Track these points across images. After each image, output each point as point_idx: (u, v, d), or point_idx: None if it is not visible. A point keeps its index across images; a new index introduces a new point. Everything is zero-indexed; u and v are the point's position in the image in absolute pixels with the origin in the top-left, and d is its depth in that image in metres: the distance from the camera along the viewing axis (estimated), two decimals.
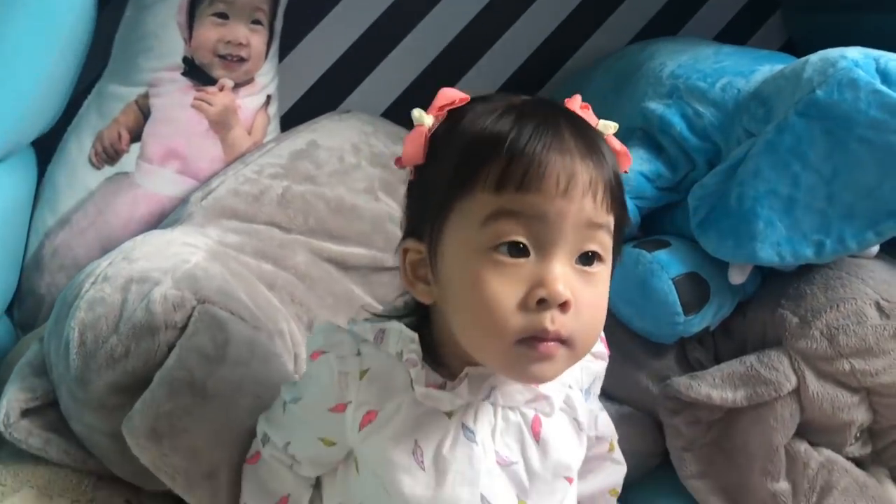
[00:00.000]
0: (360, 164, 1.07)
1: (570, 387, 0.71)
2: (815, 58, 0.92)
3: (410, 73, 1.31)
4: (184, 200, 1.01)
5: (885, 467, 0.97)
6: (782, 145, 0.90)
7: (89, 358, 0.77)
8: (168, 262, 0.84)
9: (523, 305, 0.59)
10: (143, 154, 1.05)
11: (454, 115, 0.64)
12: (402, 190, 1.08)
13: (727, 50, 1.09)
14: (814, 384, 0.91)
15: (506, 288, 0.59)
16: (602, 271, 0.62)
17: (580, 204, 0.60)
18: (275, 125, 1.15)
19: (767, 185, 0.90)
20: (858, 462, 0.96)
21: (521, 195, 0.59)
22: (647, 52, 1.15)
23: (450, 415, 0.65)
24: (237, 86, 1.09)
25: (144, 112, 1.06)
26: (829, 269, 0.95)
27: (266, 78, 1.12)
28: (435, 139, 0.64)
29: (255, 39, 1.09)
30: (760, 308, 0.98)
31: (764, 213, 0.90)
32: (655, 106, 1.04)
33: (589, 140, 0.62)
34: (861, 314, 0.91)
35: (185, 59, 1.06)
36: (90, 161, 1.05)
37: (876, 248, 0.96)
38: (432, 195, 0.62)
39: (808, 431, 0.94)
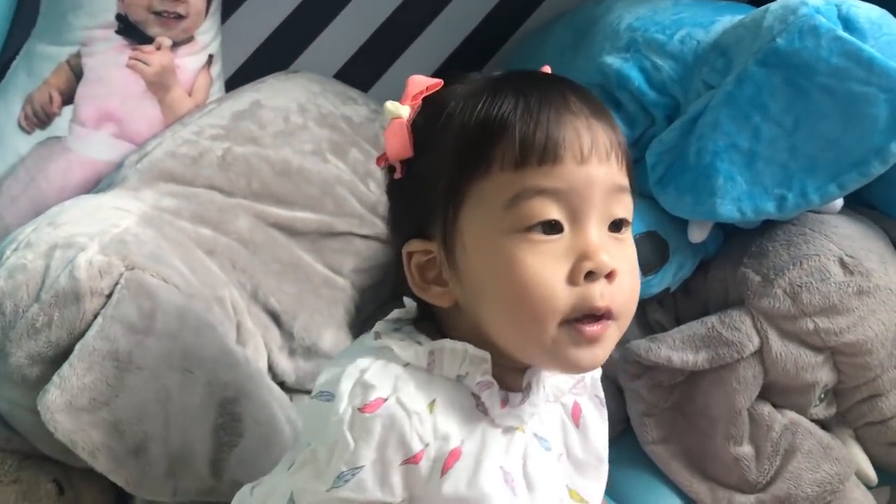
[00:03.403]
0: (306, 124, 1.02)
1: None
2: (775, 5, 0.89)
3: (363, 33, 1.26)
4: (118, 164, 0.96)
5: (849, 428, 0.95)
6: (742, 96, 0.87)
7: (8, 328, 0.73)
8: (96, 227, 0.79)
9: (571, 280, 0.55)
10: (76, 117, 1.00)
11: (433, 102, 0.60)
12: (353, 152, 1.07)
13: (686, 1, 1.05)
14: (777, 344, 0.89)
15: (548, 263, 0.55)
16: (630, 236, 0.60)
17: (606, 167, 0.57)
18: (219, 86, 1.10)
19: (727, 139, 0.87)
20: (823, 423, 0.95)
21: (547, 168, 0.56)
22: (604, 5, 1.10)
23: (522, 428, 0.61)
24: (176, 45, 1.03)
25: (76, 73, 1.00)
26: (792, 226, 0.92)
27: (207, 36, 1.06)
28: (419, 130, 0.59)
29: None
30: (722, 267, 0.95)
31: (724, 167, 0.87)
32: (613, 60, 1.00)
33: (595, 102, 0.59)
34: (824, 271, 0.88)
35: (118, 17, 1.00)
36: (20, 125, 0.99)
37: (840, 203, 0.94)
38: (433, 187, 0.58)
39: (772, 393, 0.92)
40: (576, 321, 0.55)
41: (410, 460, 0.56)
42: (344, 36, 1.24)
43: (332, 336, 0.94)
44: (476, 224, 0.57)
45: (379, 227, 1.03)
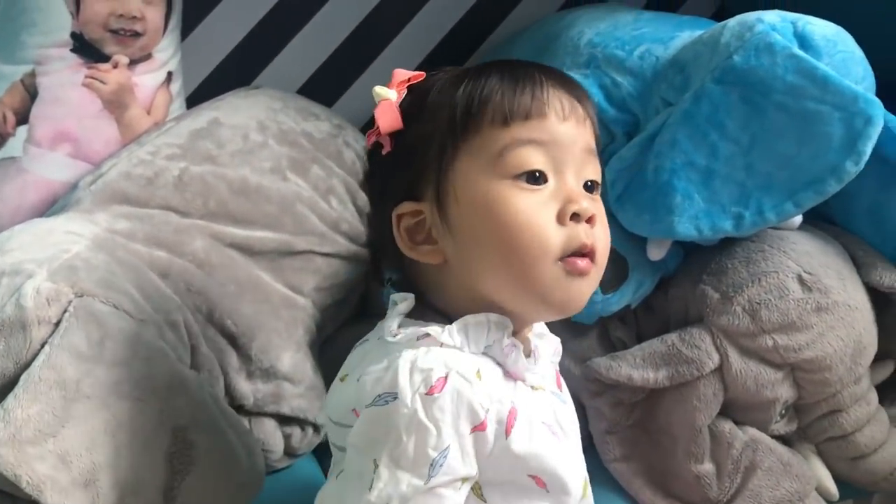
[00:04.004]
0: (266, 142, 1.01)
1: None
2: (732, 22, 0.89)
3: (327, 47, 1.25)
4: (73, 185, 0.95)
5: (810, 443, 0.95)
6: (699, 114, 0.86)
7: None
8: (45, 253, 0.78)
9: (559, 220, 0.61)
10: (31, 137, 0.98)
11: (418, 88, 0.66)
12: (314, 169, 1.05)
13: (647, 16, 1.05)
14: (737, 362, 0.88)
15: (538, 206, 0.61)
16: (599, 198, 0.66)
17: (583, 128, 0.64)
18: (179, 104, 1.08)
19: (685, 157, 0.87)
20: (784, 439, 0.94)
21: (533, 123, 0.62)
22: (566, 20, 1.10)
23: (542, 387, 0.66)
24: (133, 62, 1.02)
25: (31, 92, 0.99)
26: (750, 243, 0.92)
27: (166, 54, 1.05)
28: (407, 108, 0.65)
29: (151, 12, 1.02)
30: (682, 284, 0.95)
31: (681, 185, 0.87)
32: (572, 76, 0.99)
33: (570, 79, 0.67)
34: (783, 288, 0.88)
35: (73, 35, 0.99)
36: None
37: (798, 220, 0.94)
38: (426, 150, 0.63)
39: (733, 410, 0.92)
40: (566, 258, 0.61)
41: (478, 427, 0.58)
42: (307, 51, 1.23)
43: (290, 357, 0.93)
44: (468, 174, 0.62)
45: (340, 244, 1.02)
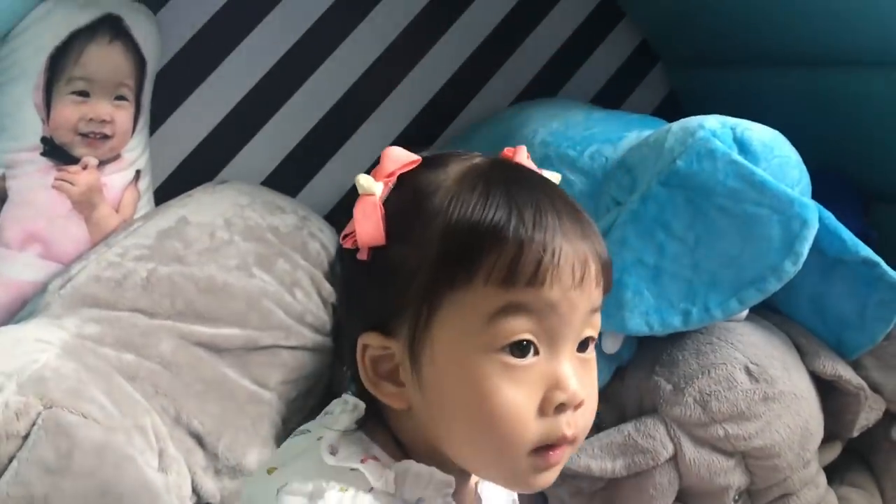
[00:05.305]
0: (232, 239, 1.04)
1: None
2: (676, 126, 0.94)
3: (293, 139, 1.29)
4: (42, 289, 0.97)
5: None
6: (647, 215, 0.91)
7: None
8: (14, 364, 0.79)
9: (541, 411, 0.54)
10: (1, 239, 1.00)
11: (411, 186, 0.57)
12: (279, 263, 1.08)
13: (597, 115, 1.11)
14: (690, 450, 0.91)
15: (521, 394, 0.54)
16: (594, 353, 0.58)
17: (590, 292, 0.56)
18: (147, 199, 1.11)
19: (634, 255, 0.91)
20: None
21: (535, 289, 0.53)
22: (520, 117, 1.15)
23: None
24: (102, 163, 1.05)
25: (1, 195, 1.01)
26: (700, 335, 0.96)
27: (134, 153, 1.08)
28: (394, 214, 0.56)
29: (120, 115, 1.05)
30: (636, 375, 0.98)
31: (632, 282, 0.91)
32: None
33: (583, 217, 0.58)
34: (731, 379, 0.92)
35: (43, 139, 1.01)
36: None
37: (745, 312, 0.98)
38: (406, 285, 0.55)
39: (688, 497, 0.94)
40: (541, 448, 0.55)
41: None
42: (273, 143, 1.27)
43: (256, 454, 0.95)
44: (450, 335, 0.54)
45: (306, 336, 1.05)
